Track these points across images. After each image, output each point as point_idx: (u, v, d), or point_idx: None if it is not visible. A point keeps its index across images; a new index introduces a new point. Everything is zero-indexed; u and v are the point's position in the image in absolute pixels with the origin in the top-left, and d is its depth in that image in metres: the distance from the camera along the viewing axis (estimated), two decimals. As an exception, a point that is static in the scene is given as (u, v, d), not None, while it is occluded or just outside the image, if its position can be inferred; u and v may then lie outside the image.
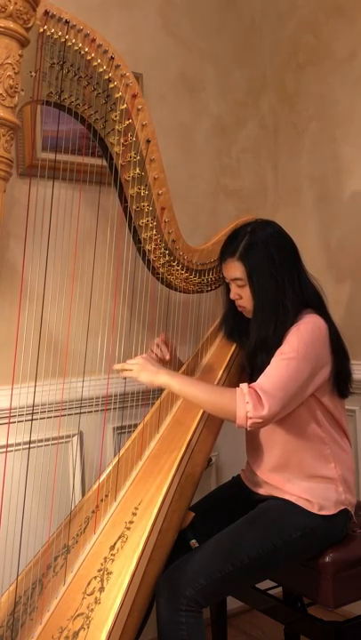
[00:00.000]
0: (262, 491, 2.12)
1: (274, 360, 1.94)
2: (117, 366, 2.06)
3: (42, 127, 2.34)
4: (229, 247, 2.09)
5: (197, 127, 2.93)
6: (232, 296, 2.14)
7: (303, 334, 1.95)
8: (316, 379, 1.96)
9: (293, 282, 2.04)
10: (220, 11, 3.02)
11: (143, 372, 2.03)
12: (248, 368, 2.12)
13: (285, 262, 2.04)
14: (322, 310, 2.07)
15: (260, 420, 1.87)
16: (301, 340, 1.94)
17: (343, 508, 2.01)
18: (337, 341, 2.05)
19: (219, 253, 2.15)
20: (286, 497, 2.02)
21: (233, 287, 2.12)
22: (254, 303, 2.06)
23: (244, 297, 2.10)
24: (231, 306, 2.21)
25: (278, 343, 1.97)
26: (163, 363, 2.27)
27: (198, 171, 2.92)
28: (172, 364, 2.35)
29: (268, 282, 2.02)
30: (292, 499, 2.00)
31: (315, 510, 1.97)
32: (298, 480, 2.02)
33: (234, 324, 2.28)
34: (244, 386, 1.91)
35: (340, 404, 2.09)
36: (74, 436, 2.45)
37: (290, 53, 3.10)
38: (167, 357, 2.30)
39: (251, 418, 1.86)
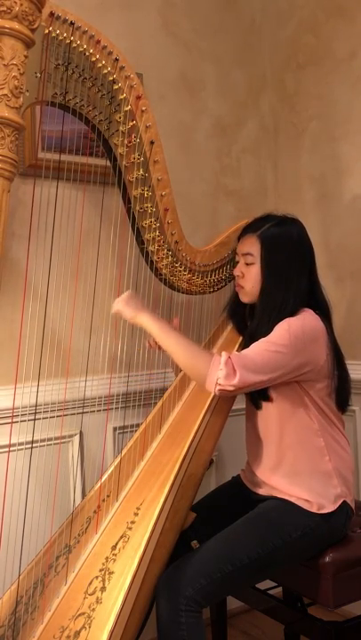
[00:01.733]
0: (262, 491, 2.12)
1: (259, 342, 1.96)
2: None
3: (41, 127, 2.34)
4: (254, 225, 2.12)
5: (197, 127, 2.93)
6: (235, 272, 2.17)
7: (293, 326, 1.96)
8: (299, 370, 1.97)
9: (301, 281, 2.06)
10: (220, 11, 3.03)
11: (126, 306, 2.07)
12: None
13: (299, 262, 2.07)
14: (326, 318, 2.08)
15: (229, 389, 1.89)
16: (289, 331, 1.95)
17: (342, 501, 2.01)
18: (336, 350, 2.07)
19: (239, 234, 2.19)
20: (286, 497, 2.02)
21: (240, 263, 2.15)
22: (261, 286, 2.08)
23: (246, 276, 2.12)
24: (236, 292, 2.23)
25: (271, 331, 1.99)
26: None
27: (198, 171, 2.92)
28: None
29: (278, 269, 2.05)
30: (292, 499, 2.00)
31: (314, 510, 1.97)
32: (295, 478, 2.02)
33: (237, 307, 2.30)
34: (223, 354, 1.92)
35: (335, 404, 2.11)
36: (75, 435, 2.46)
37: (290, 53, 3.10)
38: None
39: (219, 384, 1.88)
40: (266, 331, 1.99)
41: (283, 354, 1.92)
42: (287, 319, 1.98)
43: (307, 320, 1.99)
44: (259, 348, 1.95)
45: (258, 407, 2.08)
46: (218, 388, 1.89)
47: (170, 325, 2.07)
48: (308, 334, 1.97)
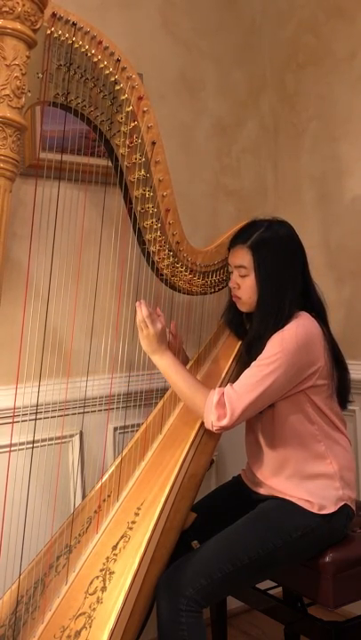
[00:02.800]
0: (263, 491, 2.12)
1: (251, 366, 1.99)
2: (140, 308, 2.11)
3: (42, 127, 2.34)
4: (243, 235, 2.11)
5: (197, 127, 2.93)
6: (231, 284, 2.17)
7: (285, 341, 1.96)
8: (300, 380, 1.99)
9: (296, 285, 2.06)
10: (220, 10, 3.02)
11: (146, 340, 2.11)
12: (246, 357, 2.13)
13: (293, 265, 2.07)
14: (321, 319, 2.09)
15: (222, 429, 1.98)
16: (281, 344, 1.96)
17: (343, 503, 2.02)
18: (334, 350, 2.07)
19: (228, 244, 2.18)
20: (286, 497, 2.02)
21: (234, 275, 2.14)
22: (258, 296, 2.08)
23: (241, 287, 2.12)
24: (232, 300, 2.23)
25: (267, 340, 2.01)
26: None
27: (198, 171, 2.93)
28: (178, 356, 2.37)
29: (273, 278, 2.05)
30: (293, 499, 2.01)
31: (315, 510, 1.97)
32: (297, 481, 2.02)
33: (234, 314, 2.31)
34: (214, 393, 1.98)
35: (336, 402, 2.11)
36: (75, 435, 2.46)
37: (290, 53, 3.10)
38: (171, 339, 2.32)
39: (214, 426, 1.96)
40: (263, 339, 2.00)
41: (274, 370, 1.94)
42: (279, 332, 1.98)
43: (300, 326, 1.99)
44: (249, 372, 1.99)
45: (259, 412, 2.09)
46: (214, 428, 1.97)
47: (176, 362, 2.12)
48: (303, 340, 1.97)
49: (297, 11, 3.05)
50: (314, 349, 2.00)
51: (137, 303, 2.10)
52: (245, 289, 2.11)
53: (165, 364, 2.10)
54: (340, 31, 2.84)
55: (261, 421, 2.10)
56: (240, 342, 2.31)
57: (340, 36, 2.84)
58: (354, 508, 2.08)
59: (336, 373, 2.06)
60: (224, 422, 1.94)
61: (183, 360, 2.38)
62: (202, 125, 2.95)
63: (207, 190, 2.96)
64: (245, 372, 1.99)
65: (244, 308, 2.17)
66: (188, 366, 2.33)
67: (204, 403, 1.99)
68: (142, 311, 2.08)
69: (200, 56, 2.94)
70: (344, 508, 2.02)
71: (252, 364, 1.99)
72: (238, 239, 2.12)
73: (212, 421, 1.95)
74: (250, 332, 2.14)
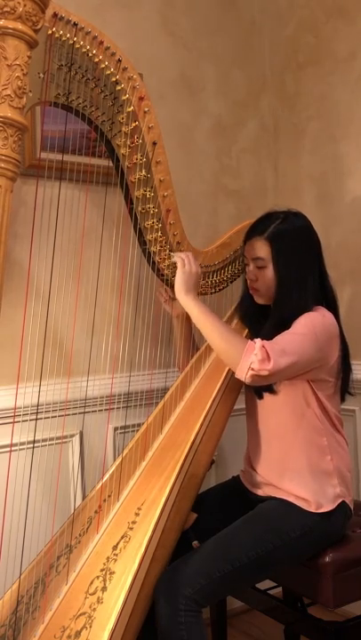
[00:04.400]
0: (261, 492, 2.13)
1: (283, 334, 1.95)
2: (177, 254, 2.12)
3: (43, 127, 2.34)
4: (259, 226, 2.10)
5: (197, 127, 2.94)
6: (248, 276, 2.16)
7: (314, 320, 1.97)
8: (317, 364, 1.98)
9: (314, 276, 2.07)
10: (219, 10, 3.03)
11: (181, 280, 2.07)
12: None
13: (310, 256, 2.08)
14: (335, 312, 2.09)
15: (263, 373, 1.86)
16: (313, 322, 1.96)
17: (341, 500, 2.02)
18: (344, 346, 2.08)
19: (244, 236, 2.17)
20: (284, 496, 2.03)
21: (251, 267, 2.13)
22: (277, 287, 2.08)
23: (260, 279, 2.12)
24: (248, 292, 2.23)
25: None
26: None
27: (198, 171, 2.93)
28: (181, 324, 2.41)
29: (292, 269, 2.05)
30: (290, 498, 2.01)
31: (312, 509, 1.98)
32: (295, 475, 2.03)
33: (248, 307, 2.29)
34: (258, 340, 1.90)
35: (338, 402, 2.12)
36: (76, 435, 2.46)
37: (290, 53, 3.10)
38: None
39: (253, 369, 1.86)
40: (280, 330, 1.98)
41: (308, 339, 1.93)
42: (307, 314, 1.98)
43: (326, 317, 2.00)
44: (286, 335, 1.95)
45: (260, 397, 2.09)
46: (250, 373, 1.87)
47: (209, 310, 2.06)
48: (328, 331, 1.99)
49: (297, 11, 3.05)
50: (333, 342, 2.01)
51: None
52: (264, 281, 2.10)
53: (198, 305, 2.04)
54: (341, 31, 2.84)
55: (266, 414, 2.11)
56: (244, 333, 2.30)
57: (340, 35, 2.84)
58: (352, 507, 2.08)
59: (342, 372, 2.07)
60: (269, 366, 1.84)
61: (189, 336, 2.41)
62: (202, 125, 2.95)
63: (207, 190, 2.97)
64: (284, 335, 1.94)
65: (261, 300, 2.16)
66: (194, 359, 2.35)
67: (244, 346, 1.91)
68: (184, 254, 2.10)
69: (200, 56, 2.94)
70: (342, 506, 2.03)
71: (284, 332, 1.95)
72: (255, 231, 2.10)
73: (253, 363, 1.86)
74: (268, 323, 2.11)
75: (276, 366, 1.85)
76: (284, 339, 1.93)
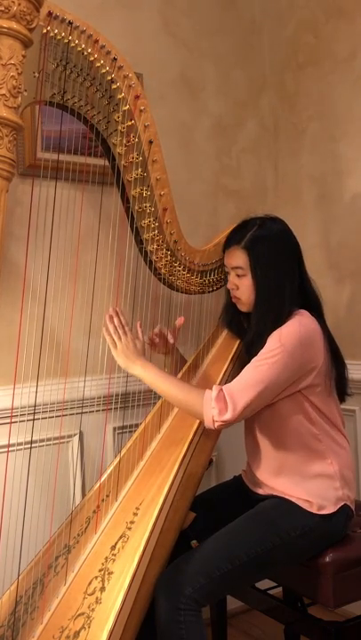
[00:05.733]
0: (262, 491, 2.12)
1: (250, 363, 1.96)
2: (106, 331, 2.09)
3: (42, 127, 2.34)
4: (236, 235, 2.10)
5: (197, 127, 2.93)
6: (229, 285, 2.15)
7: (285, 337, 1.95)
8: (298, 378, 1.97)
9: (293, 280, 2.06)
10: (220, 11, 3.03)
11: (122, 355, 2.06)
12: (246, 357, 2.12)
13: (289, 260, 2.06)
14: (318, 314, 2.08)
15: (225, 424, 1.90)
16: (280, 340, 1.94)
17: (343, 504, 2.01)
18: (332, 346, 2.06)
19: (223, 246, 2.17)
20: (286, 497, 2.02)
21: (231, 276, 2.13)
22: (255, 295, 2.07)
23: (240, 288, 2.11)
24: (231, 301, 2.22)
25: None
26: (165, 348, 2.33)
27: (198, 171, 2.93)
28: (173, 355, 2.39)
29: (270, 276, 2.04)
30: (292, 499, 2.00)
31: (314, 510, 1.97)
32: (297, 481, 2.02)
33: (233, 315, 2.30)
34: (212, 390, 1.93)
35: (335, 402, 2.10)
36: (74, 435, 2.46)
37: (290, 53, 3.10)
38: (171, 341, 2.30)
39: (216, 421, 1.90)
40: (263, 337, 1.98)
41: (276, 360, 1.91)
42: (278, 330, 1.97)
43: (303, 325, 1.98)
44: (248, 368, 1.96)
45: None
46: (216, 424, 1.91)
47: (161, 372, 2.06)
48: (304, 338, 1.96)
49: (297, 11, 3.05)
50: (315, 347, 1.99)
51: (106, 316, 2.10)
52: (244, 289, 2.10)
53: (147, 371, 2.04)
54: (341, 31, 2.83)
55: (261, 422, 2.09)
56: (237, 344, 2.31)
57: (340, 36, 2.84)
58: (353, 507, 2.07)
59: (335, 370, 2.06)
60: (227, 416, 1.88)
61: (179, 359, 2.39)
62: (202, 125, 2.95)
63: (207, 190, 2.96)
64: (246, 368, 1.97)
65: (244, 308, 2.16)
66: (184, 369, 2.35)
67: (202, 400, 1.93)
68: (112, 324, 2.09)
69: (200, 56, 2.94)
70: (344, 508, 2.02)
71: (252, 359, 1.96)
72: (232, 240, 2.10)
73: (214, 416, 1.89)
74: (249, 331, 2.13)
75: (236, 412, 1.88)
76: (246, 372, 1.95)
